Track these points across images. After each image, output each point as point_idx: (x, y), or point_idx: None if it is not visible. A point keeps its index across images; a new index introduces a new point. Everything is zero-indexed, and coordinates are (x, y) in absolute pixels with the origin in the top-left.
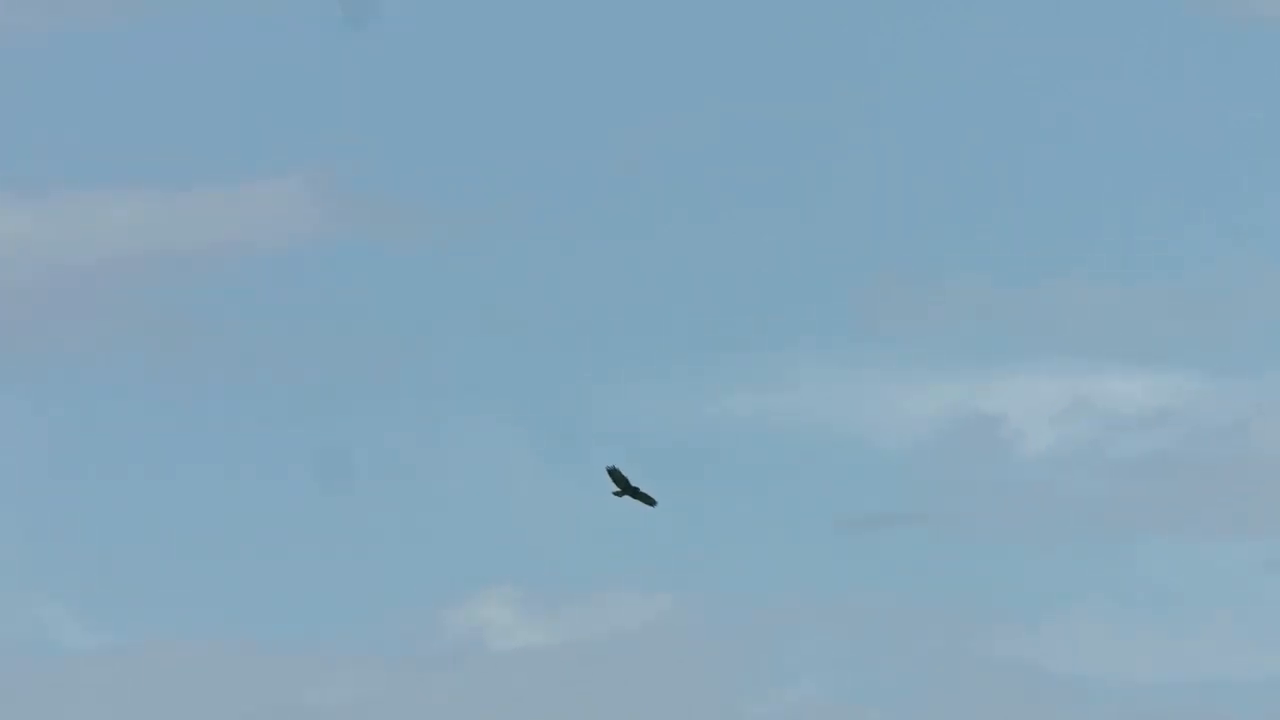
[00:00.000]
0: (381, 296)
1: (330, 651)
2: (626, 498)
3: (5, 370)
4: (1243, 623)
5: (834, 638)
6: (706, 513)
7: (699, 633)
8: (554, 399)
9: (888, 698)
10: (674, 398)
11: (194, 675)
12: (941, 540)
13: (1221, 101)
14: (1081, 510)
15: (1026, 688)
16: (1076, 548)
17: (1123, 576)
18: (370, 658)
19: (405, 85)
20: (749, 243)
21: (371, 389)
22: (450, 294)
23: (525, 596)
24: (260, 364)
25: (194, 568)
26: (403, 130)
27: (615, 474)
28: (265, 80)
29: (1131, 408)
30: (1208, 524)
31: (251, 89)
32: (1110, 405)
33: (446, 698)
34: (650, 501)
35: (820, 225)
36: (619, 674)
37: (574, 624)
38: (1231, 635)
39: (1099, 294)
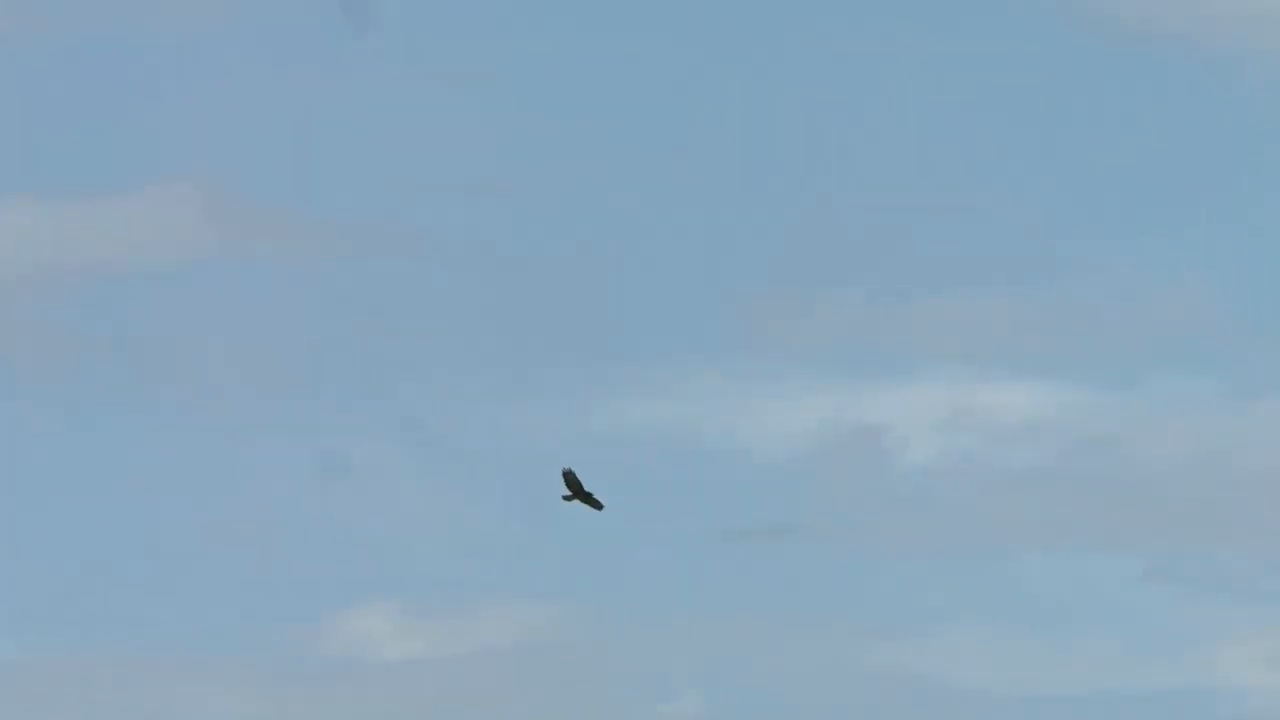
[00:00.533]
0: (268, 309)
1: (208, 664)
2: (576, 501)
3: None
4: (1120, 635)
5: (716, 650)
6: (589, 524)
7: (582, 645)
8: (437, 411)
9: (771, 711)
10: (554, 409)
11: (69, 689)
12: (824, 551)
13: (1096, 111)
14: (962, 521)
15: (910, 699)
16: (958, 559)
17: (1003, 588)
18: (249, 670)
19: (296, 92)
20: (630, 253)
21: (257, 402)
22: (337, 306)
23: (405, 609)
24: (147, 378)
25: (72, 579)
26: (288, 140)
27: (570, 476)
28: (150, 87)
29: (1011, 419)
30: (1086, 536)
31: (135, 97)
32: (990, 417)
33: (326, 710)
34: (598, 505)
35: (701, 236)
36: (501, 687)
37: (455, 637)
38: (1110, 647)
39: (979, 305)
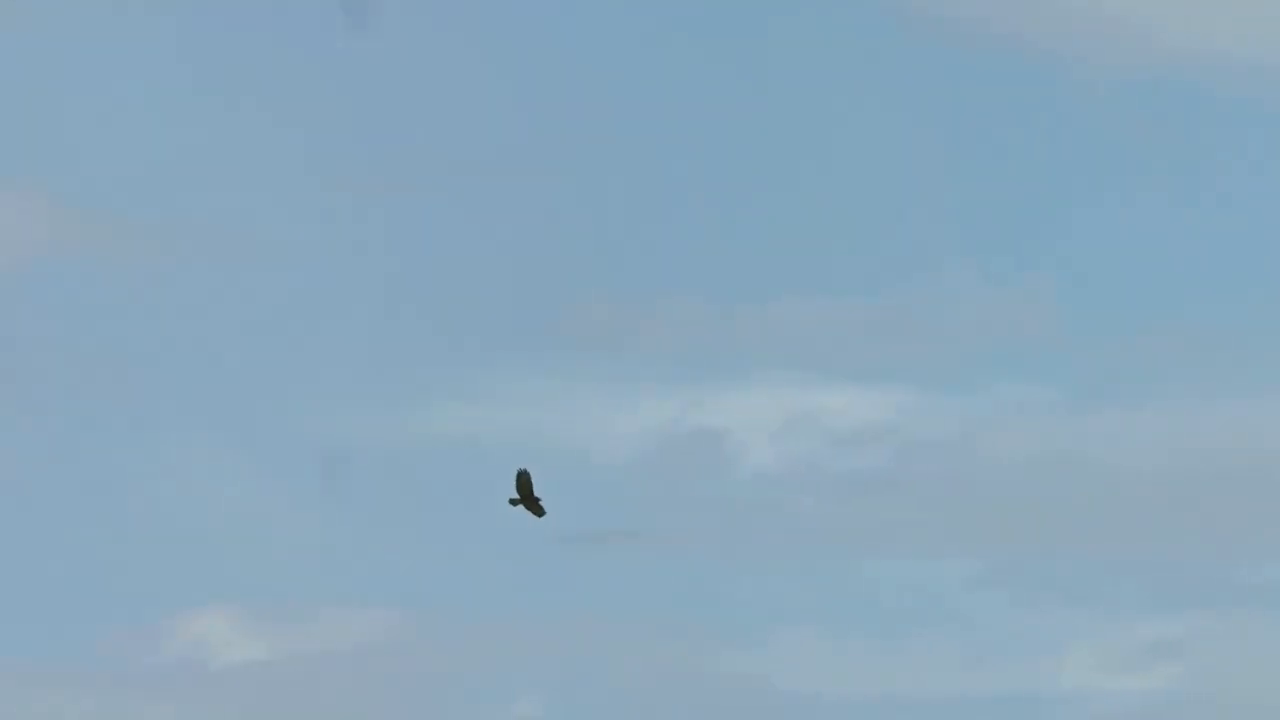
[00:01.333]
0: (100, 311)
1: (45, 669)
2: (521, 506)
3: None
4: (959, 639)
5: (554, 656)
6: (426, 529)
7: (423, 650)
8: (266, 415)
9: (613, 716)
10: (386, 411)
11: None
12: (664, 555)
13: (934, 114)
14: (802, 525)
15: (750, 705)
16: (797, 563)
17: (842, 592)
18: (86, 675)
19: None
20: (468, 256)
21: (88, 406)
22: (172, 308)
23: (245, 613)
24: None
25: None
26: (115, 143)
27: (524, 478)
28: None
29: (850, 424)
30: (924, 540)
31: None
32: (829, 421)
33: (165, 714)
34: (540, 513)
35: (539, 239)
36: (342, 691)
37: (296, 641)
38: (949, 652)
39: (818, 309)
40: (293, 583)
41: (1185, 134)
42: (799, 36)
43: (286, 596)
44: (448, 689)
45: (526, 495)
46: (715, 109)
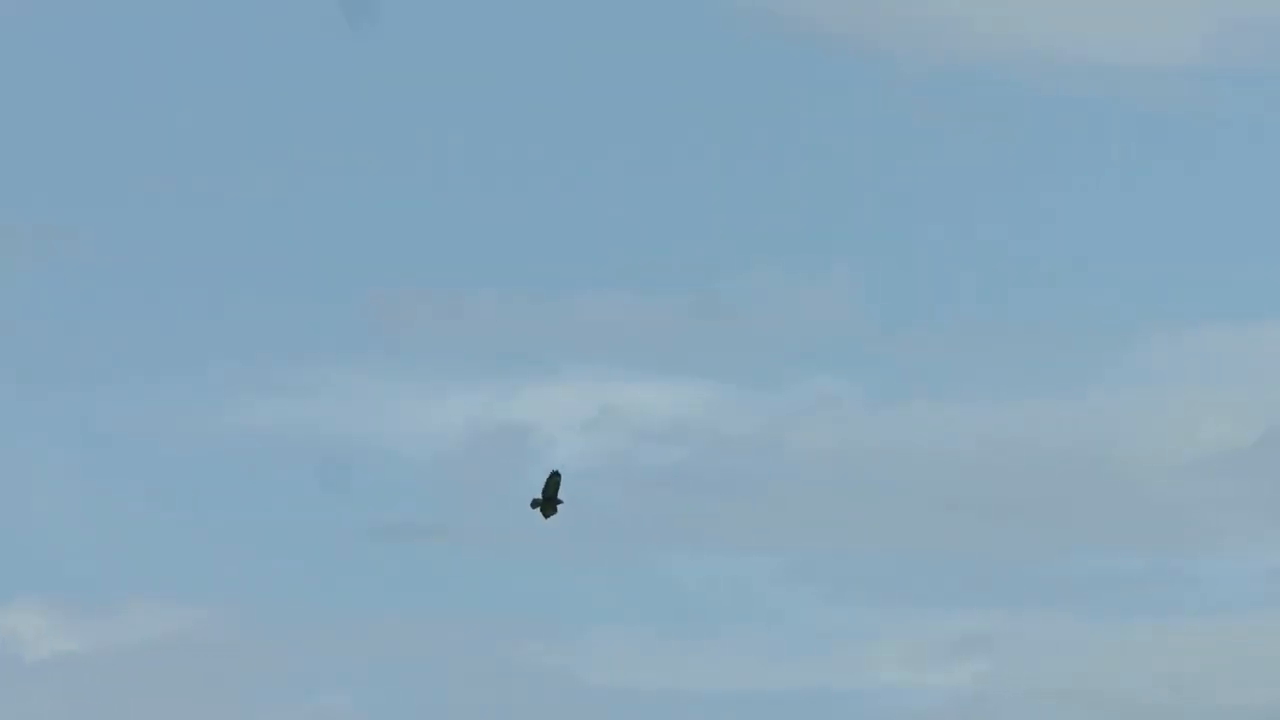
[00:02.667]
0: None
1: None
2: (539, 507)
3: None
4: (766, 634)
5: (363, 649)
6: (235, 523)
7: (232, 643)
8: (77, 408)
9: (417, 711)
10: (195, 405)
11: None
12: (471, 550)
13: (745, 109)
14: (608, 520)
15: (560, 700)
16: (604, 558)
17: (649, 587)
18: None
19: None
20: (274, 252)
21: None
22: None
23: (55, 606)
24: None
25: None
26: None
27: (555, 479)
28: None
29: (657, 419)
30: (731, 535)
31: None
32: (636, 416)
33: None
34: (551, 514)
35: (346, 234)
36: (151, 684)
37: (106, 634)
38: (755, 646)
39: (625, 305)
40: (104, 576)
41: (994, 130)
42: (615, 29)
43: (98, 590)
44: (257, 681)
45: (550, 496)
46: (528, 102)
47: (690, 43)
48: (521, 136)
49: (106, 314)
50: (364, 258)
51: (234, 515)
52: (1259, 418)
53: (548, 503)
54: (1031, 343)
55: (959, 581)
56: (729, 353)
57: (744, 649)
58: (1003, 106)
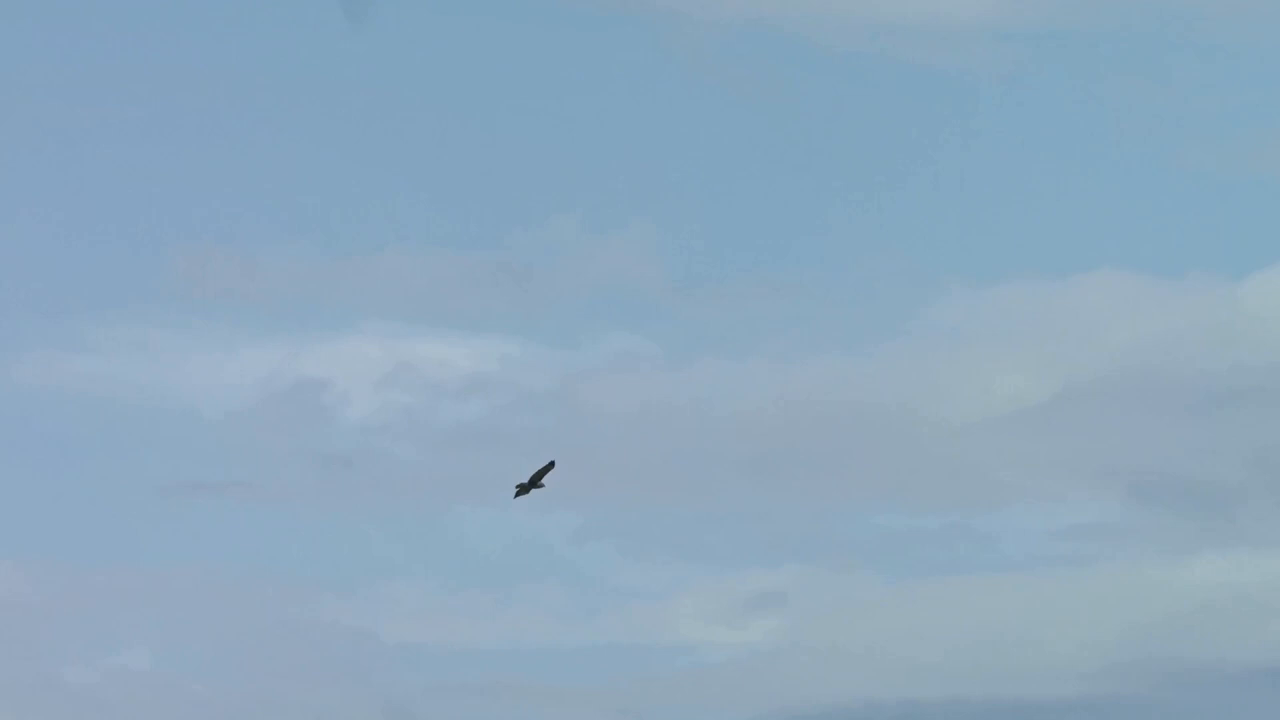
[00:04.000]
0: None
1: None
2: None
3: None
4: (562, 590)
5: (160, 606)
6: (30, 479)
7: (24, 599)
8: None
9: (213, 666)
10: None
11: None
12: (266, 507)
13: (536, 68)
14: (403, 477)
15: (357, 656)
16: (399, 514)
17: (444, 543)
18: None
19: None
20: (64, 205)
21: None
22: None
23: None
24: None
25: None
26: None
27: (548, 468)
28: None
29: (452, 375)
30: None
31: None
32: (431, 373)
33: None
34: (523, 492)
35: (143, 193)
36: None
37: None
38: (552, 603)
39: (420, 262)
40: None
41: (792, 88)
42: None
43: None
44: (53, 638)
45: (534, 481)
46: (326, 62)
47: (489, 3)
48: (317, 98)
49: None
50: (161, 216)
51: (30, 472)
52: (1055, 375)
53: (530, 484)
54: (829, 300)
55: (755, 539)
56: (525, 310)
57: (541, 606)
58: (800, 64)
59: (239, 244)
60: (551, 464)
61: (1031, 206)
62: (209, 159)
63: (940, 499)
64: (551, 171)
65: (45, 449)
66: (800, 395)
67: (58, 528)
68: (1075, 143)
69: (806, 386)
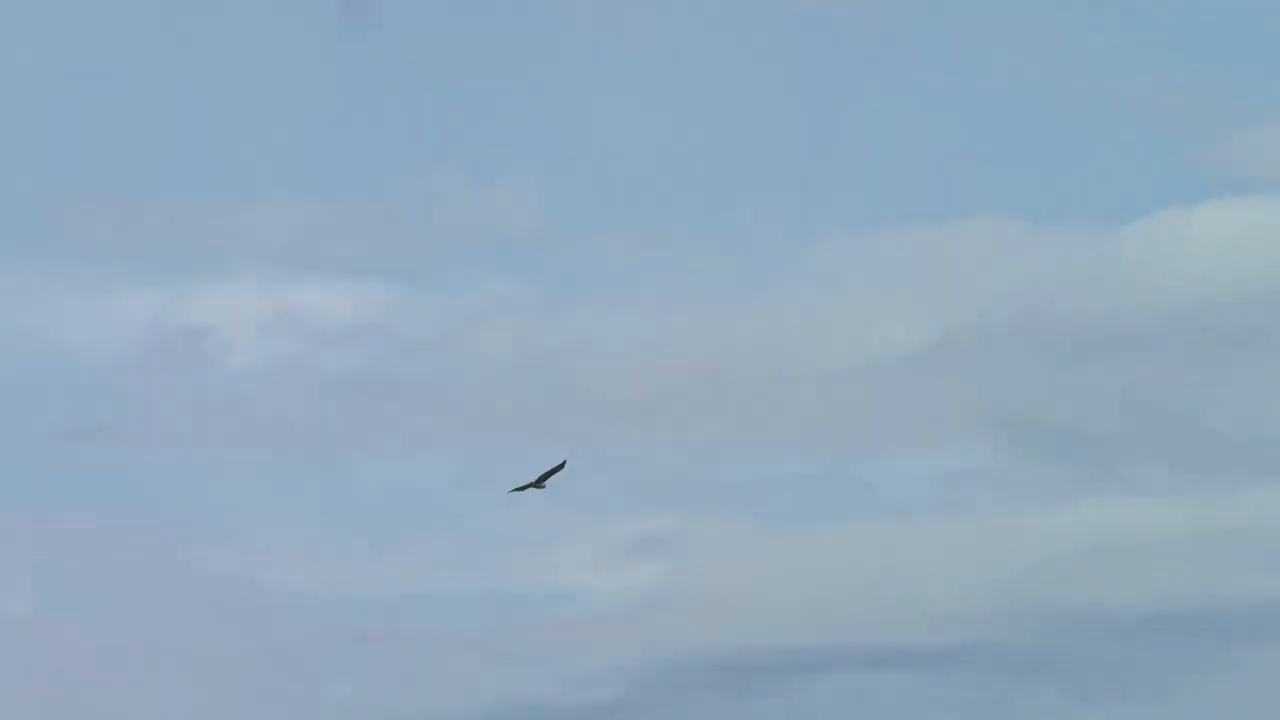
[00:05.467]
0: None
1: None
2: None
3: None
4: (442, 537)
5: (39, 552)
6: None
7: None
8: None
9: (95, 611)
10: None
11: None
12: (146, 453)
13: (416, 13)
14: (285, 424)
15: (237, 603)
16: (280, 461)
17: (325, 491)
18: None
19: None
20: None
21: None
22: None
23: None
24: None
25: None
26: None
27: (558, 468)
28: None
29: (334, 322)
30: (407, 438)
31: None
32: (313, 319)
33: None
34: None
35: (24, 137)
36: None
37: None
38: (436, 549)
39: (301, 208)
40: None
41: (667, 32)
42: None
43: None
44: None
45: (540, 481)
46: (195, 8)
47: None
48: (197, 43)
49: None
50: (40, 164)
51: None
52: (934, 322)
53: (535, 483)
54: (706, 247)
55: (635, 485)
56: (405, 257)
57: (422, 553)
58: (675, 11)
59: (119, 191)
60: (563, 464)
61: (910, 152)
62: (88, 107)
63: (819, 445)
64: (432, 120)
65: None
66: (679, 341)
67: None
68: (954, 88)
69: (685, 332)
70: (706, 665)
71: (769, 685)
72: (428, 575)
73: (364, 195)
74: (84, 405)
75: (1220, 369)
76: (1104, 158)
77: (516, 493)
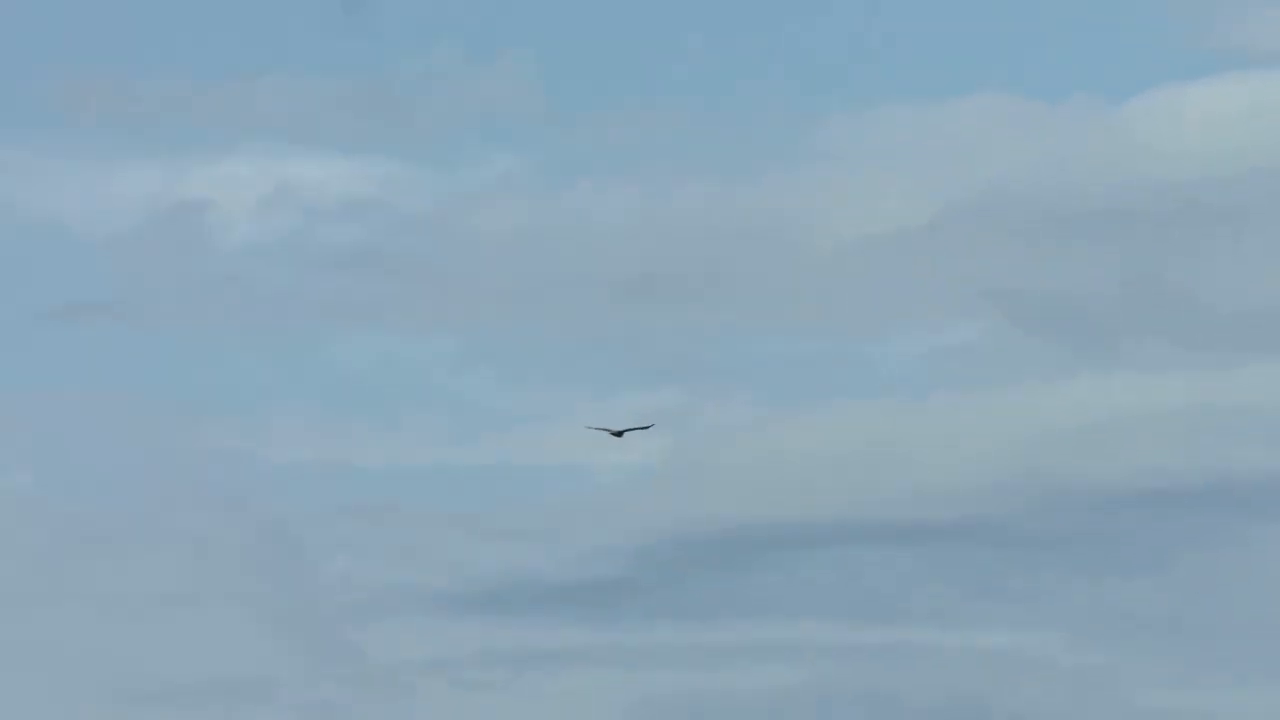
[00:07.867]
0: None
1: None
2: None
3: None
4: (446, 414)
5: (42, 428)
6: None
7: None
8: None
9: (94, 488)
10: None
11: None
12: (147, 329)
13: None
14: (284, 300)
15: (239, 477)
16: (280, 338)
17: (325, 367)
18: None
19: None
20: None
21: None
22: None
23: None
24: None
25: None
26: None
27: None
28: None
29: (332, 197)
30: (406, 316)
31: None
32: (312, 194)
33: None
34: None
35: (14, 15)
36: None
37: None
38: (437, 426)
39: (301, 85)
40: None
41: None
42: None
43: None
44: None
45: (621, 432)
46: None
47: None
48: None
49: None
50: (37, 39)
51: None
52: (935, 199)
53: (617, 431)
54: (706, 125)
55: (635, 362)
56: (404, 134)
57: (422, 429)
58: None
59: (116, 66)
60: (649, 426)
61: (911, 30)
62: None
63: (819, 323)
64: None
65: None
66: (678, 218)
67: None
68: None
69: (684, 210)
70: (707, 541)
71: (769, 560)
72: (427, 451)
73: (363, 72)
74: (81, 281)
75: (1219, 244)
76: (1106, 34)
77: (592, 430)
